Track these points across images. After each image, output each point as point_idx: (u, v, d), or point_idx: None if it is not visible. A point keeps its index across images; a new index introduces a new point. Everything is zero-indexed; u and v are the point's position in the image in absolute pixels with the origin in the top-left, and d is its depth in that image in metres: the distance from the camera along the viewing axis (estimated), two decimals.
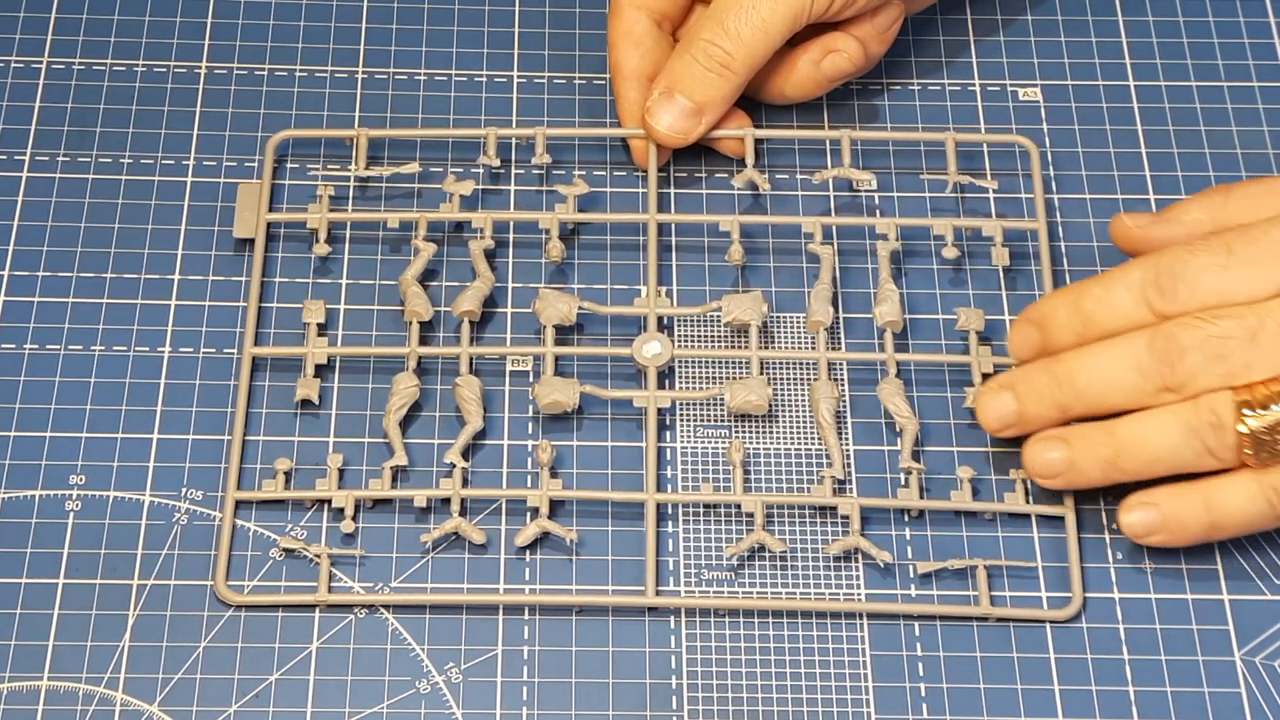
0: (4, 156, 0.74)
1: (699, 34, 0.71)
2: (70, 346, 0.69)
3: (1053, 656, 0.64)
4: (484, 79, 0.77)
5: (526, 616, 0.64)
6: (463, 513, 0.66)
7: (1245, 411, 0.61)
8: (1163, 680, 0.63)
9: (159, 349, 0.69)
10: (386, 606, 0.64)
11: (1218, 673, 0.64)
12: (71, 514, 0.66)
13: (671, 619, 0.65)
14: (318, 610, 0.64)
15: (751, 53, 0.71)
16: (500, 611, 0.64)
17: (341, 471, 0.67)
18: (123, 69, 0.76)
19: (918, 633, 0.64)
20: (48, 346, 0.69)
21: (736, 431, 0.68)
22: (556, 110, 0.76)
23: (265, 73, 0.76)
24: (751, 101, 0.75)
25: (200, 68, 0.76)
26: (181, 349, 0.69)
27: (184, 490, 0.66)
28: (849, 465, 0.68)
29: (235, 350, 0.69)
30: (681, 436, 0.68)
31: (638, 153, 0.74)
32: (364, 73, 0.77)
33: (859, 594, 0.65)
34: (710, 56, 0.71)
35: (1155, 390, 0.63)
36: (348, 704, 0.62)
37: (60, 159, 0.74)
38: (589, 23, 0.78)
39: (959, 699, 0.63)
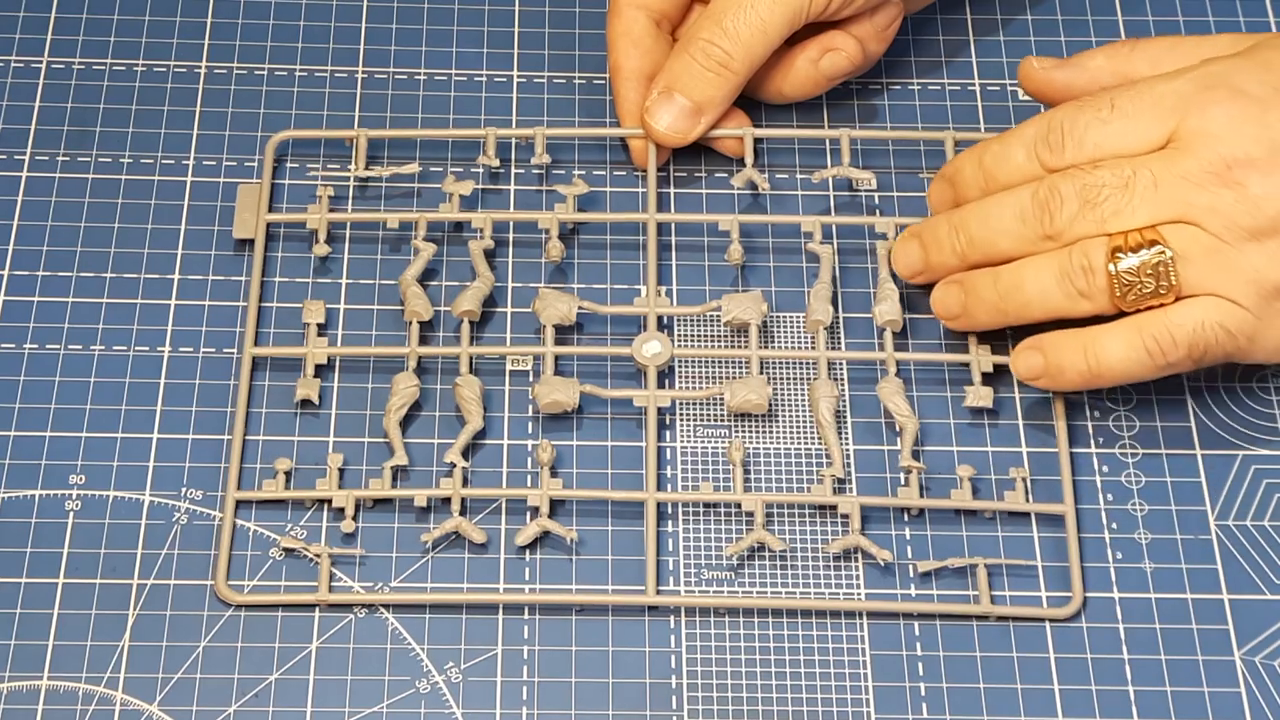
0: (4, 156, 0.74)
1: (698, 34, 0.71)
2: (70, 346, 0.69)
3: (1053, 656, 0.64)
4: (484, 79, 0.77)
5: (526, 616, 0.64)
6: (463, 512, 0.66)
7: (1117, 254, 0.63)
8: (1163, 680, 0.64)
9: (159, 349, 0.69)
10: (387, 606, 0.64)
11: (1218, 673, 0.64)
12: (71, 514, 0.66)
13: (671, 618, 0.65)
14: (317, 610, 0.64)
15: (750, 52, 0.71)
16: (500, 611, 0.64)
17: (341, 471, 0.67)
18: (123, 69, 0.76)
19: (917, 632, 0.64)
20: (48, 346, 0.69)
21: (736, 431, 0.68)
22: (556, 110, 0.76)
23: (265, 73, 0.76)
24: (751, 101, 0.75)
25: (200, 68, 0.77)
26: (181, 349, 0.69)
27: (184, 490, 0.66)
28: (849, 464, 0.68)
29: (235, 350, 0.69)
30: (682, 436, 0.68)
31: (637, 153, 0.74)
32: (364, 73, 0.77)
33: (859, 593, 0.65)
34: (709, 56, 0.71)
35: (1037, 238, 0.65)
36: (348, 704, 0.62)
37: (60, 159, 0.74)
38: (589, 23, 0.78)
39: (959, 698, 0.63)
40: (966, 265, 0.68)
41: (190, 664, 0.63)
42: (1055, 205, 0.65)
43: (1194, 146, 0.64)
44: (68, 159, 0.74)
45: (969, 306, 0.67)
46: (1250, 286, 0.63)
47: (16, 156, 0.74)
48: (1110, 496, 0.67)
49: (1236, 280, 0.63)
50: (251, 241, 0.71)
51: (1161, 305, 0.64)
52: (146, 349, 0.69)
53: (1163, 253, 0.63)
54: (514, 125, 0.75)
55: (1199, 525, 0.67)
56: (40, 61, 0.76)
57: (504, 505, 0.66)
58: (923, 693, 0.63)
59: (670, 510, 0.67)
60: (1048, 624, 0.64)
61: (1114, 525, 0.67)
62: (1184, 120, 0.64)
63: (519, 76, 0.77)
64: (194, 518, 0.66)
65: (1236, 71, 0.65)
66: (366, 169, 0.73)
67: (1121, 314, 0.65)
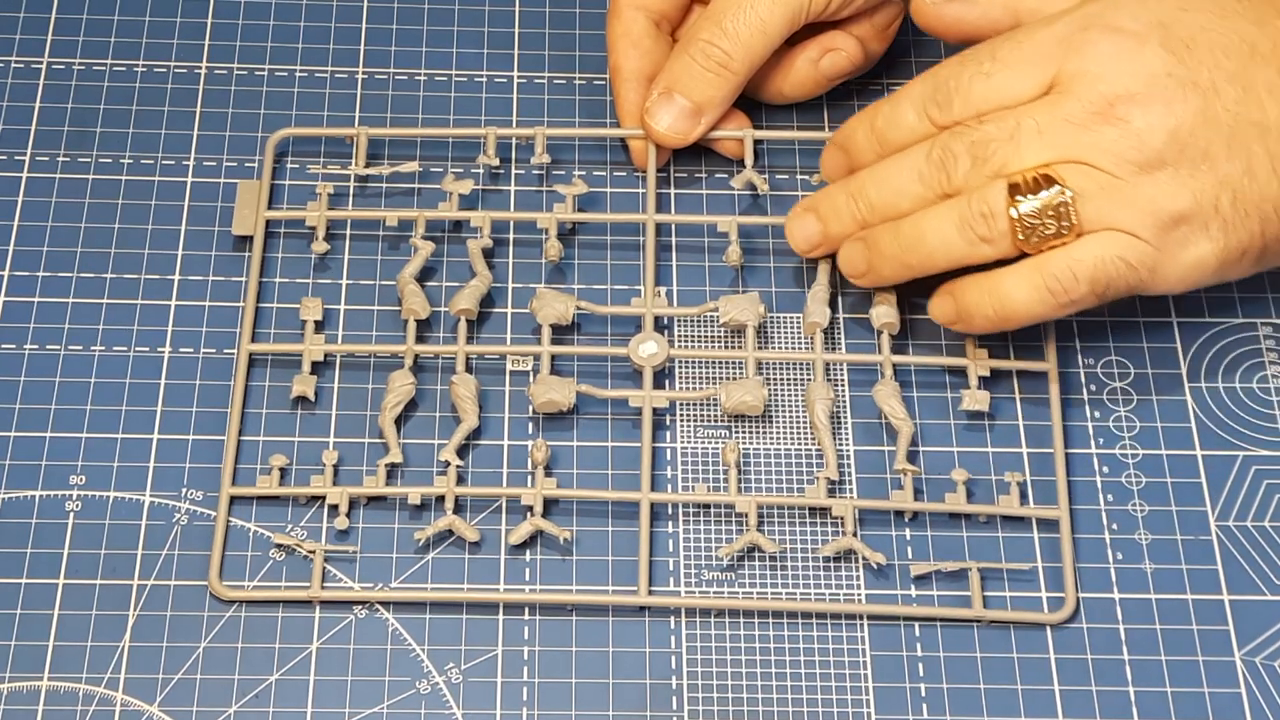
0: (4, 156, 0.74)
1: (697, 34, 0.71)
2: (70, 346, 0.69)
3: (1053, 657, 0.64)
4: (484, 79, 0.77)
5: (526, 617, 0.64)
6: (458, 511, 0.66)
7: (1016, 197, 0.64)
8: (1163, 680, 0.64)
9: (159, 349, 0.69)
10: (383, 603, 0.64)
11: (1218, 673, 0.64)
12: (71, 514, 0.66)
13: (671, 619, 0.65)
14: (317, 610, 0.64)
15: (750, 52, 0.71)
16: (500, 612, 0.64)
17: (337, 469, 0.67)
18: (123, 69, 0.76)
19: (917, 633, 0.64)
20: (48, 346, 0.69)
21: (734, 432, 0.68)
22: (556, 110, 0.76)
23: (265, 73, 0.76)
24: (751, 101, 0.75)
25: (200, 68, 0.76)
26: (181, 349, 0.69)
27: (184, 490, 0.66)
28: (848, 466, 0.68)
29: (235, 350, 0.69)
30: (680, 437, 0.68)
31: (637, 153, 0.74)
32: (364, 73, 0.77)
33: (859, 595, 0.65)
34: (709, 56, 0.71)
35: (937, 197, 0.66)
36: (348, 704, 0.62)
37: (60, 159, 0.74)
38: (589, 23, 0.78)
39: (959, 699, 0.63)
40: (866, 230, 0.68)
41: (190, 664, 0.63)
42: (950, 164, 0.65)
43: (1074, 88, 0.64)
44: (68, 159, 0.74)
45: (873, 263, 0.68)
46: (1147, 218, 0.64)
47: (17, 157, 0.74)
48: (1110, 497, 0.67)
49: (1133, 213, 0.64)
50: (250, 238, 0.71)
51: (1063, 244, 0.64)
52: (146, 349, 0.69)
53: (1062, 193, 0.63)
54: (514, 125, 0.75)
55: (1199, 526, 0.67)
56: (40, 62, 0.76)
57: (504, 505, 0.66)
58: (923, 694, 0.63)
59: (670, 511, 0.67)
60: (1047, 627, 0.64)
61: (1114, 526, 0.67)
62: (1064, 63, 0.64)
63: (519, 77, 0.77)
64: (194, 518, 0.66)
65: (1112, 9, 0.65)
66: (366, 167, 0.73)
67: (1024, 256, 0.65)
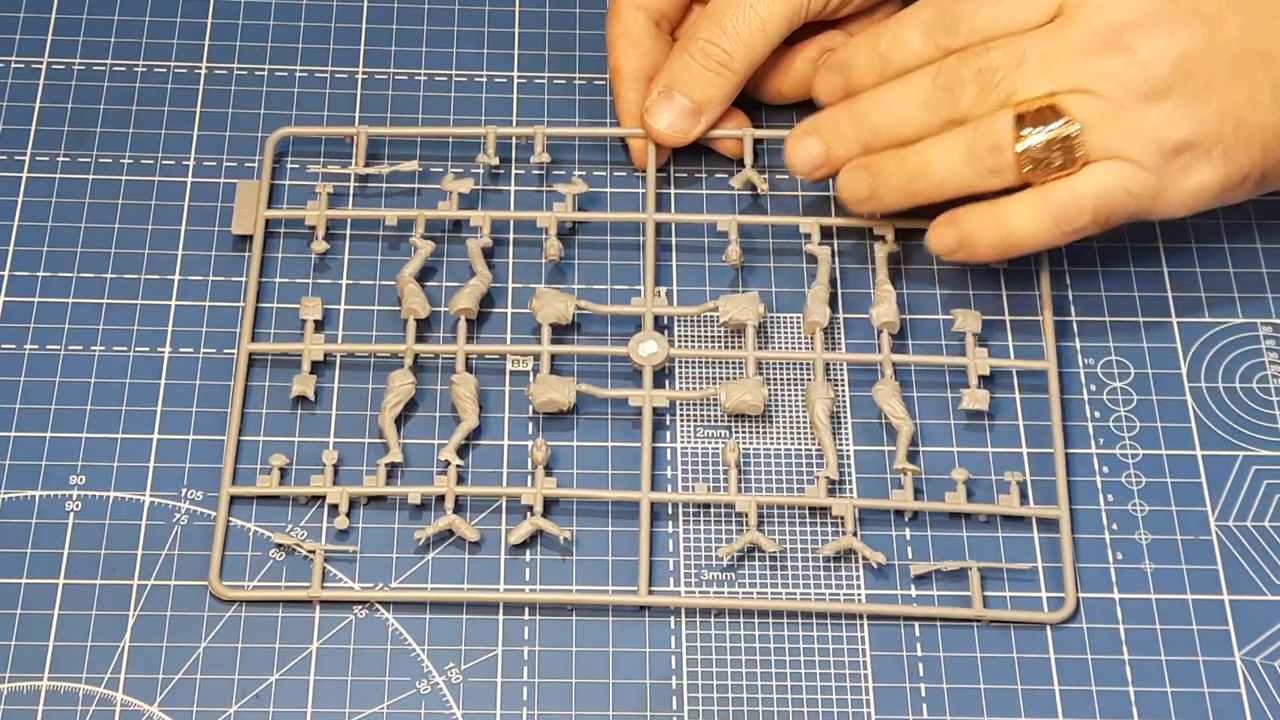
0: (4, 156, 0.74)
1: (697, 33, 0.71)
2: (70, 346, 0.69)
3: (1053, 657, 0.64)
4: (484, 79, 0.77)
5: (526, 617, 0.64)
6: (458, 511, 0.66)
7: (1023, 130, 0.64)
8: (1163, 680, 0.64)
9: (159, 349, 0.69)
10: (383, 603, 0.64)
11: (1218, 673, 0.64)
12: (71, 514, 0.66)
13: (671, 619, 0.65)
14: (317, 610, 0.64)
15: (750, 51, 0.71)
16: (500, 612, 0.64)
17: (337, 469, 0.67)
18: (123, 69, 0.76)
19: (918, 633, 0.64)
20: (48, 346, 0.69)
21: (734, 432, 0.68)
22: (556, 110, 0.76)
23: (265, 73, 0.76)
24: (751, 101, 0.75)
25: (200, 68, 0.77)
26: (181, 349, 0.69)
27: (184, 490, 0.66)
28: (848, 466, 0.68)
29: (235, 350, 0.69)
30: (681, 437, 0.68)
31: (637, 153, 0.74)
32: (364, 73, 0.77)
33: (859, 595, 0.65)
34: (709, 55, 0.71)
35: (943, 122, 0.66)
36: (348, 704, 0.62)
37: (60, 159, 0.74)
38: (589, 23, 0.78)
39: (959, 699, 0.63)
40: (869, 154, 0.68)
41: (191, 664, 0.63)
42: (957, 89, 0.66)
43: (1080, 16, 0.65)
44: (68, 160, 0.74)
45: (876, 189, 0.68)
46: (1151, 146, 0.64)
47: (17, 157, 0.74)
48: (1110, 497, 0.67)
49: (1138, 142, 0.64)
50: (250, 238, 0.71)
51: (1068, 175, 0.65)
52: (147, 349, 0.69)
53: (1069, 125, 0.64)
54: (514, 125, 0.75)
55: (1199, 525, 0.67)
56: (40, 62, 0.76)
57: (504, 505, 0.66)
58: (923, 694, 0.63)
59: (670, 511, 0.67)
60: (1047, 627, 0.64)
61: (1114, 526, 0.67)
62: None
63: (519, 77, 0.77)
64: (194, 518, 0.66)
65: None
66: (366, 166, 0.73)
67: (1028, 184, 0.66)
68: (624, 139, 0.74)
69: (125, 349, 0.69)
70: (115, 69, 0.76)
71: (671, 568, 0.66)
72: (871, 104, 0.68)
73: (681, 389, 0.69)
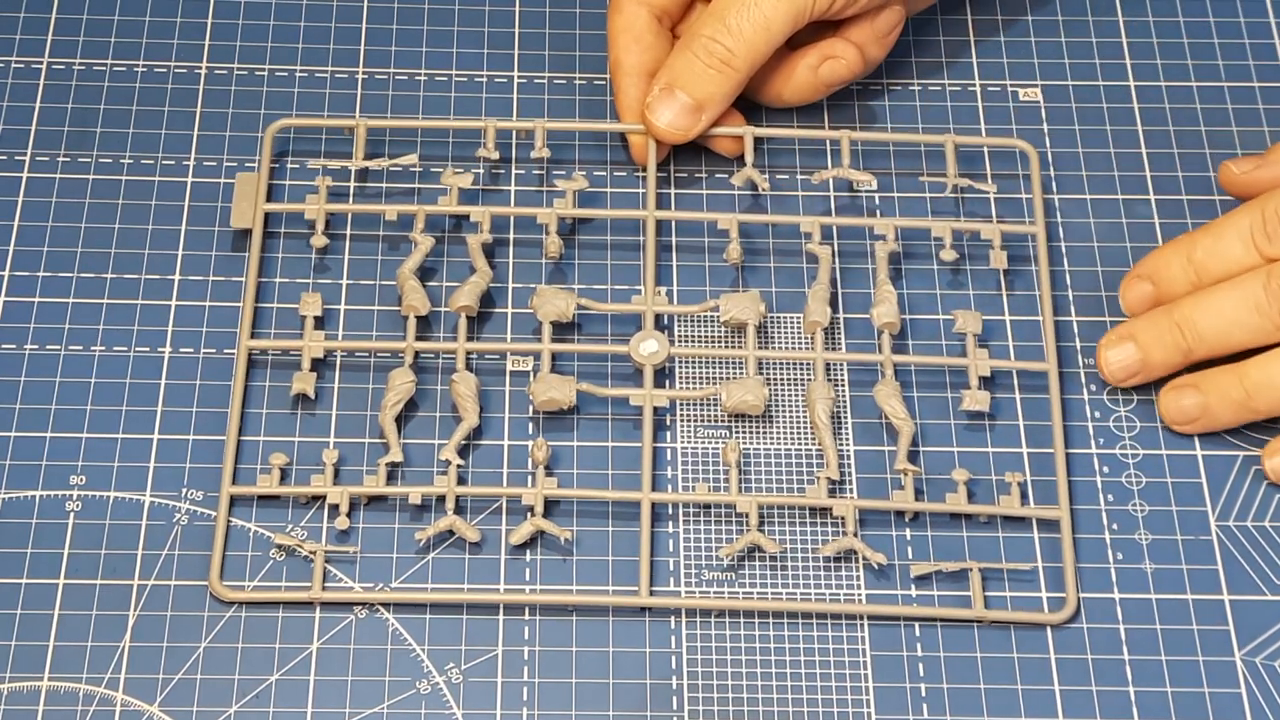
0: (4, 156, 0.74)
1: (700, 30, 0.71)
2: (70, 346, 0.69)
3: (1053, 657, 0.64)
4: (484, 79, 0.77)
5: (526, 617, 0.64)
6: (459, 511, 0.66)
7: None
8: (1163, 680, 0.64)
9: (159, 349, 0.69)
10: (384, 605, 0.64)
11: (1218, 673, 0.64)
12: (71, 514, 0.66)
13: (672, 619, 0.65)
14: (317, 610, 0.64)
15: (753, 50, 0.71)
16: (500, 612, 0.64)
17: (338, 470, 0.67)
18: (123, 69, 0.76)
19: (918, 633, 0.64)
20: (48, 346, 0.69)
21: (735, 432, 0.68)
22: (556, 110, 0.76)
23: (265, 73, 0.76)
24: (751, 103, 0.75)
25: (200, 68, 0.76)
26: (181, 349, 0.69)
27: (184, 490, 0.66)
28: (849, 466, 0.68)
29: (235, 350, 0.69)
30: (682, 437, 0.68)
31: (636, 149, 0.74)
32: (364, 73, 0.77)
33: (859, 595, 0.65)
34: (711, 53, 0.71)
35: (1276, 328, 0.66)
36: (348, 704, 0.62)
37: (60, 159, 0.74)
38: (589, 23, 0.78)
39: (959, 700, 0.63)
40: (1190, 362, 0.68)
41: (191, 665, 0.63)
42: None
43: None
44: (68, 159, 0.74)
45: (1210, 407, 0.67)
46: None
47: (17, 157, 0.74)
48: (1111, 497, 0.67)
49: None
50: (249, 233, 0.71)
51: None
52: (147, 350, 0.69)
53: None
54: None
55: (1199, 526, 0.67)
56: (40, 62, 0.76)
57: (504, 506, 0.66)
58: (923, 694, 0.63)
59: (671, 512, 0.67)
60: (1047, 628, 0.64)
61: (1114, 526, 0.67)
62: None
63: (519, 77, 0.77)
64: (194, 518, 0.66)
65: None
66: (366, 160, 0.73)
67: None
68: (624, 136, 0.74)
69: (125, 349, 0.69)
70: (115, 69, 0.76)
71: (672, 568, 0.66)
72: (1195, 310, 0.67)
73: (682, 388, 0.69)
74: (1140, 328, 0.68)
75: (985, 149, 0.75)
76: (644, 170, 0.74)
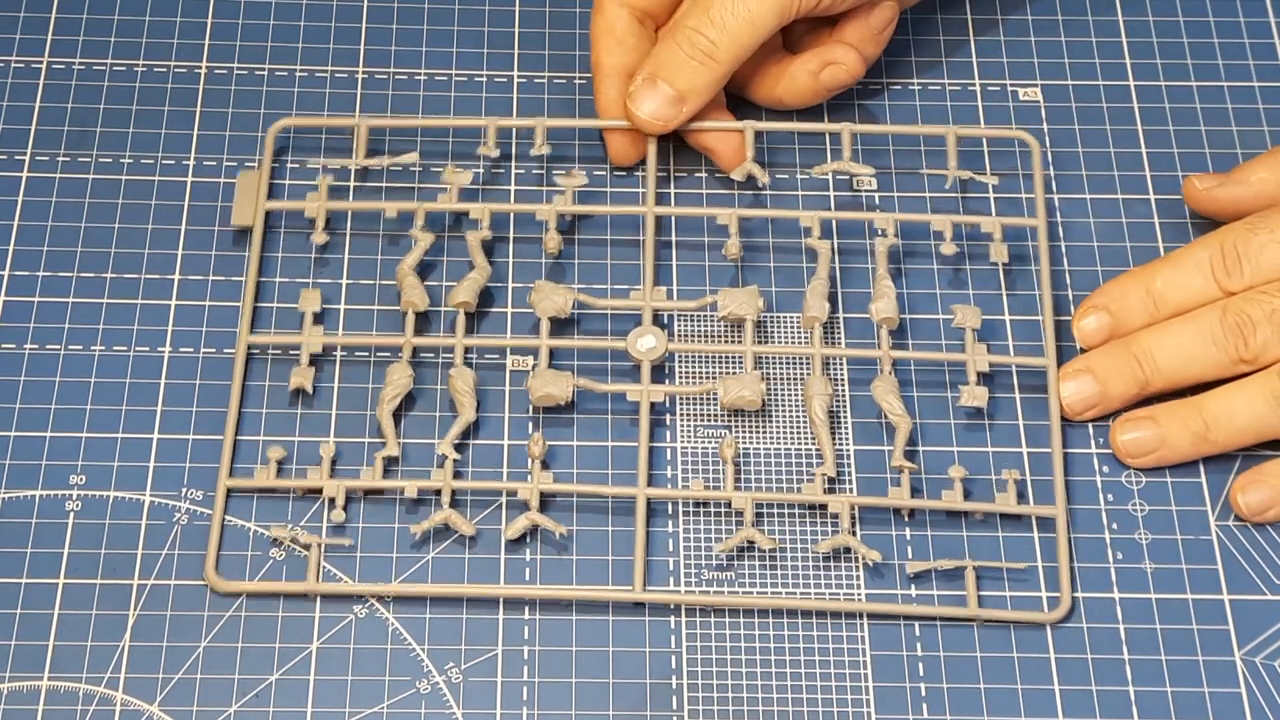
0: (4, 156, 0.74)
1: (685, 22, 0.71)
2: (70, 346, 0.69)
3: (1053, 656, 0.64)
4: (484, 79, 0.77)
5: (526, 616, 0.64)
6: (454, 505, 0.66)
7: None
8: (1163, 680, 0.63)
9: (159, 349, 0.69)
10: (381, 598, 0.64)
11: (1218, 673, 0.64)
12: (71, 514, 0.66)
13: (671, 619, 0.65)
14: (317, 610, 0.64)
15: (736, 43, 0.71)
16: (500, 611, 0.64)
17: (335, 464, 0.67)
18: (123, 69, 0.76)
19: (918, 633, 0.64)
20: (48, 346, 0.69)
21: (734, 428, 0.68)
22: (556, 110, 0.76)
23: (265, 73, 0.77)
24: (750, 105, 0.75)
25: (200, 68, 0.77)
26: (181, 349, 0.69)
27: (184, 490, 0.66)
28: (847, 463, 0.68)
29: (235, 348, 0.69)
30: (680, 436, 0.68)
31: (614, 148, 0.73)
32: (364, 73, 0.77)
33: (859, 594, 0.65)
34: (694, 45, 0.71)
35: (1232, 362, 0.67)
36: (348, 704, 0.62)
37: (60, 159, 0.74)
38: (589, 23, 0.78)
39: (959, 699, 0.63)
40: (1146, 394, 0.68)
41: (191, 664, 0.63)
42: (1248, 330, 0.66)
43: None
44: (68, 159, 0.74)
45: (1168, 439, 0.67)
46: None
47: (17, 157, 0.74)
48: (1110, 497, 0.67)
49: None
50: (250, 232, 0.71)
51: None
52: (147, 349, 0.69)
53: None
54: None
55: (1199, 525, 0.67)
56: (40, 62, 0.76)
57: (503, 504, 0.66)
58: (923, 693, 0.63)
59: (669, 510, 0.67)
60: (1046, 627, 0.64)
61: (1114, 525, 0.67)
62: None
63: (519, 76, 0.77)
64: (194, 518, 0.66)
65: None
66: (366, 159, 0.73)
67: None
68: (601, 135, 0.74)
69: (125, 348, 0.69)
70: (115, 69, 0.76)
71: (671, 566, 0.66)
72: (1154, 343, 0.67)
73: (680, 384, 0.69)
74: (1098, 360, 0.68)
75: (986, 142, 0.75)
76: (637, 170, 0.74)
